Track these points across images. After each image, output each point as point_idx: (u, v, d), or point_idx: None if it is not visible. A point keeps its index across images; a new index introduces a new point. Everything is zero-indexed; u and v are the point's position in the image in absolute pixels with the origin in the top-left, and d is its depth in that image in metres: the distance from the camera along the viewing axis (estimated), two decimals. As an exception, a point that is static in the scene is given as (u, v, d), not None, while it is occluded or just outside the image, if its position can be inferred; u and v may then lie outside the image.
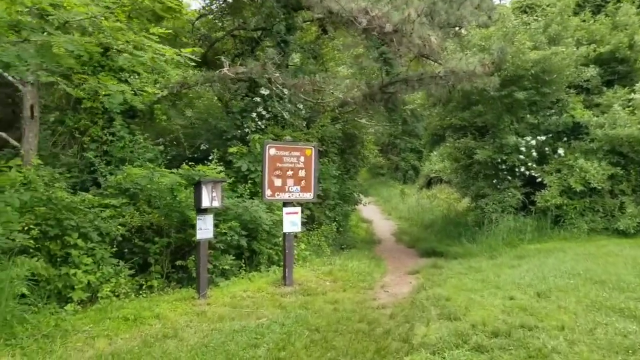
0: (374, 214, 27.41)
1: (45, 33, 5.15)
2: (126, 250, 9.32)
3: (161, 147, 10.72)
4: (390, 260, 14.38)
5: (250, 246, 10.42)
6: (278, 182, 8.48)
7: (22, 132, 9.96)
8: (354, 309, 7.62)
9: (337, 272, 9.84)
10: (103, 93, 8.79)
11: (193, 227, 9.33)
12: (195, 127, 13.93)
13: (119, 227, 8.73)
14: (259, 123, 13.51)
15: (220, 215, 9.81)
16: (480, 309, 7.30)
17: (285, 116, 12.76)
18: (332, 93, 13.36)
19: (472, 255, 12.83)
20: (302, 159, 8.66)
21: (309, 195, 8.77)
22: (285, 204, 8.67)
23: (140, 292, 8.62)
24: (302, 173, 8.68)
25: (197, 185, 7.84)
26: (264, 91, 13.40)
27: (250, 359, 5.71)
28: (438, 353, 5.73)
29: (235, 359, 5.71)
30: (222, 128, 13.66)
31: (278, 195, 8.52)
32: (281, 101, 13.69)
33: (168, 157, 10.88)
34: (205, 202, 7.80)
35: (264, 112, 13.60)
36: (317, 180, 8.88)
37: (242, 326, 6.75)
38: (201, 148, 13.69)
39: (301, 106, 13.90)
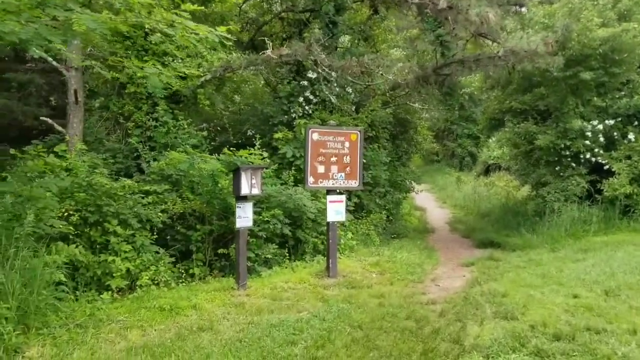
0: (428, 201, 26.62)
1: (70, 11, 4.85)
2: (168, 237, 9.15)
3: (204, 133, 10.45)
4: (443, 251, 13.74)
5: (295, 235, 10.08)
6: (321, 169, 8.04)
7: (67, 118, 9.91)
8: (401, 304, 7.12)
9: (384, 264, 9.34)
10: (139, 75, 8.57)
11: (235, 214, 9.07)
12: (243, 113, 13.66)
13: (160, 214, 8.52)
14: (306, 108, 13.10)
15: (262, 203, 9.48)
16: (540, 307, 6.67)
17: (333, 100, 12.26)
18: (382, 75, 12.74)
19: (531, 247, 12.04)
20: (347, 144, 8.18)
21: (354, 183, 8.29)
22: (329, 191, 8.23)
23: (181, 280, 8.41)
24: (346, 159, 8.20)
25: (235, 172, 7.50)
26: (312, 75, 12.96)
27: (286, 357, 5.32)
28: (492, 357, 5.18)
29: (270, 356, 5.34)
30: (269, 113, 13.33)
31: (321, 182, 8.08)
32: (329, 85, 13.21)
33: (213, 144, 10.63)
34: (245, 190, 7.45)
35: (311, 97, 13.17)
36: (362, 167, 8.38)
37: (281, 320, 6.38)
38: (247, 134, 13.39)
39: (350, 90, 13.37)
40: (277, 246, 9.49)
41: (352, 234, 11.71)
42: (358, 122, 13.52)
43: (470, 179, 32.89)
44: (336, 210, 8.16)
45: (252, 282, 8.01)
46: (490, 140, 35.58)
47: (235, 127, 13.69)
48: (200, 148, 10.59)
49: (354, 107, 13.74)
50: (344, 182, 8.20)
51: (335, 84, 13.22)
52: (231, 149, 9.78)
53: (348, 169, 8.21)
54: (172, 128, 10.19)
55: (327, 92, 12.18)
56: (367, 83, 13.27)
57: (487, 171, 33.43)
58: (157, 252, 8.24)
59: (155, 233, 8.49)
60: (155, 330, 6.11)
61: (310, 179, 7.96)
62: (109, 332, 5.96)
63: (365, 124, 13.56)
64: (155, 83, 6.69)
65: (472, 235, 16.49)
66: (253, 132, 13.19)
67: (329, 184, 8.13)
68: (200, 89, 10.40)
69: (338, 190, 8.31)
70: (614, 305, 6.65)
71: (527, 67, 13.40)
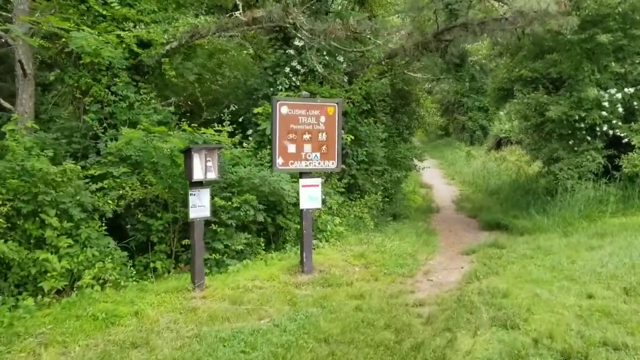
0: (435, 178, 25.37)
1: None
2: (129, 226, 8.11)
3: (171, 109, 9.28)
4: (445, 234, 12.60)
5: (275, 221, 9.00)
6: (292, 148, 6.87)
7: (16, 94, 8.81)
8: (382, 308, 6.00)
9: (371, 254, 8.21)
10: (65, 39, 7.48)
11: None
12: (224, 86, 12.47)
13: (110, 202, 7.45)
14: (293, 79, 11.89)
15: (233, 187, 8.37)
16: (548, 311, 5.56)
17: (319, 70, 11.03)
18: (372, 39, 11.45)
19: (541, 230, 10.84)
20: (322, 119, 7.00)
21: (331, 164, 7.13)
22: (302, 174, 7.07)
23: (139, 277, 7.40)
24: (322, 137, 7.03)
25: (187, 154, 6.37)
26: (298, 42, 11.72)
27: (224, 386, 4.27)
28: (482, 386, 4.09)
29: (203, 386, 4.28)
30: (253, 86, 12.14)
31: (292, 164, 6.92)
32: (318, 54, 11.97)
33: (184, 120, 9.50)
34: (198, 174, 6.32)
35: (298, 67, 11.94)
36: (341, 146, 7.20)
37: (234, 332, 5.31)
38: (230, 109, 12.23)
39: (341, 58, 12.11)
40: (250, 235, 8.44)
41: (341, 218, 10.58)
42: (351, 94, 12.31)
43: (481, 154, 31.60)
44: (310, 195, 7.02)
45: (214, 280, 6.94)
46: (500, 112, 34.15)
47: (218, 102, 12.54)
48: (169, 125, 9.45)
49: (347, 78, 12.49)
50: (319, 164, 7.04)
51: (324, 53, 11.97)
52: (193, 126, 8.66)
53: (324, 147, 7.04)
54: (134, 103, 9.05)
55: (314, 61, 10.92)
56: (357, 49, 11.99)
57: (498, 145, 32.11)
58: (107, 247, 7.17)
59: (106, 223, 7.43)
60: (79, 346, 5.07)
61: (279, 160, 6.81)
62: (22, 350, 4.94)
63: (359, 96, 12.34)
64: (79, 45, 5.50)
65: (479, 215, 15.30)
66: (236, 107, 12.05)
67: (301, 165, 6.97)
68: (165, 58, 9.21)
69: (313, 173, 7.15)
70: (636, 308, 5.51)
71: (538, 30, 12.00)
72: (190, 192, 6.38)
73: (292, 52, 11.96)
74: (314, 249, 8.95)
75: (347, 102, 12.03)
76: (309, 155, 6.96)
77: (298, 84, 11.87)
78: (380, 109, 13.81)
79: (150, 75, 9.65)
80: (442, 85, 38.47)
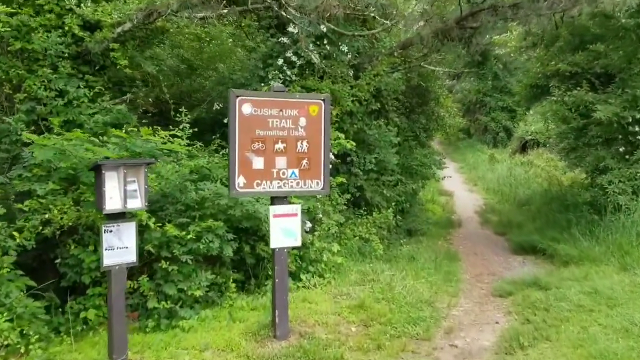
0: (457, 184, 23.17)
1: None
2: (58, 261, 6.18)
3: (122, 107, 7.27)
4: (470, 259, 10.50)
5: (255, 250, 7.02)
6: (259, 163, 4.83)
7: None
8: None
9: (374, 304, 6.11)
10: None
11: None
12: (204, 80, 10.49)
13: (15, 233, 5.52)
14: (288, 73, 9.86)
15: (194, 211, 6.37)
16: None
17: (315, 60, 9.01)
18: (380, 20, 9.38)
19: (591, 260, 8.68)
20: (302, 122, 4.95)
21: (315, 185, 5.06)
22: (274, 199, 5.04)
23: (60, 334, 5.48)
24: (302, 146, 4.97)
25: (96, 172, 4.37)
26: (294, 29, 9.71)
27: None
28: None
29: None
30: (240, 81, 10.14)
31: (259, 185, 4.86)
32: (318, 43, 9.96)
33: (144, 122, 7.55)
34: (112, 203, 4.32)
35: (293, 58, 9.91)
36: (328, 158, 5.12)
37: None
38: (214, 108, 10.30)
39: (345, 48, 10.05)
40: (222, 271, 6.50)
41: (342, 243, 8.56)
42: (357, 91, 10.24)
43: (505, 157, 29.43)
44: (285, 229, 4.98)
45: (145, 351, 4.94)
46: (529, 112, 31.77)
47: (199, 100, 10.60)
48: (126, 127, 7.48)
49: (352, 72, 10.41)
50: (297, 184, 4.99)
51: (325, 41, 9.94)
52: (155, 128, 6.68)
53: (305, 162, 4.99)
54: (74, 100, 7.10)
55: (309, 51, 8.90)
56: (362, 33, 9.92)
57: (524, 148, 29.99)
58: (8, 296, 5.23)
59: (18, 259, 5.51)
60: None
61: (240, 181, 4.78)
62: None
63: (366, 93, 10.27)
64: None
65: (508, 232, 13.15)
66: (220, 105, 10.10)
67: (271, 187, 4.91)
68: (115, 43, 7.26)
69: (288, 198, 5.11)
70: None
71: (585, 12, 9.86)
72: (104, 228, 4.39)
73: (286, 40, 9.94)
74: (300, 288, 6.96)
75: (353, 101, 9.98)
76: (284, 173, 4.92)
77: (294, 78, 9.85)
78: (392, 109, 11.73)
79: (100, 67, 7.69)
80: (463, 83, 36.26)
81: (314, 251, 7.64)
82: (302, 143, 4.99)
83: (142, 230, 6.05)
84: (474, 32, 11.40)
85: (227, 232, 6.37)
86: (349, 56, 10.31)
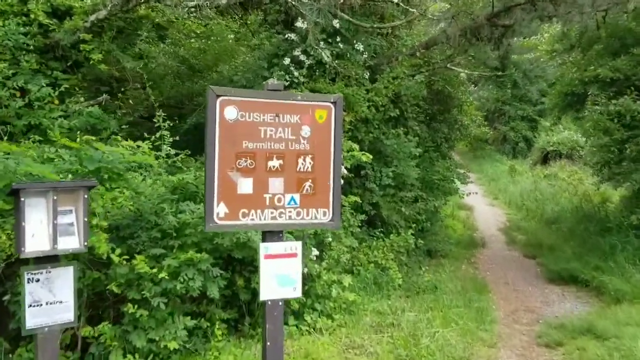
0: (476, 196, 21.61)
1: None
2: (7, 297, 4.97)
3: (92, 110, 6.04)
4: (501, 290, 9.17)
5: (250, 284, 5.78)
6: (246, 186, 3.56)
7: None
8: None
9: (388, 357, 4.82)
10: None
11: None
12: (204, 80, 9.28)
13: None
14: (295, 74, 8.65)
15: (172, 239, 5.14)
16: None
17: (325, 59, 7.80)
18: (402, 6, 8.14)
19: (648, 297, 7.34)
20: (305, 131, 3.69)
21: (322, 215, 3.78)
22: (267, 234, 3.77)
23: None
24: (306, 163, 3.70)
25: (15, 199, 3.14)
26: (302, 24, 8.51)
27: None
28: None
29: None
30: (241, 82, 8.93)
31: (246, 216, 3.58)
32: (330, 40, 8.77)
33: (123, 127, 6.36)
34: (36, 242, 3.08)
35: (302, 57, 8.71)
36: (339, 181, 3.84)
37: None
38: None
39: (361, 46, 8.82)
40: (208, 312, 5.27)
41: (354, 274, 7.30)
42: (374, 96, 9.00)
43: (526, 168, 28.08)
44: (281, 275, 3.72)
45: None
46: (548, 122, 30.31)
47: (196, 102, 9.42)
48: (100, 134, 6.30)
49: (368, 74, 9.17)
50: (299, 214, 3.71)
51: (337, 38, 8.74)
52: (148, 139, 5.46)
53: (309, 184, 3.73)
54: (38, 101, 5.92)
55: (319, 47, 7.69)
56: (382, 26, 8.69)
57: (545, 159, 28.60)
58: None
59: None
60: None
61: (220, 210, 3.52)
62: None
63: (384, 98, 9.02)
64: None
65: (539, 255, 11.78)
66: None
67: (263, 218, 3.63)
68: (88, 34, 6.07)
69: (282, 233, 3.82)
70: None
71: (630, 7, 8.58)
72: (26, 276, 3.16)
73: (294, 37, 8.75)
74: (303, 334, 5.70)
75: (369, 106, 8.74)
76: (280, 199, 3.66)
77: (302, 80, 8.63)
78: (412, 116, 10.46)
79: (74, 63, 6.51)
80: (481, 92, 34.89)
81: (321, 285, 6.38)
82: (304, 159, 3.73)
83: (105, 263, 4.84)
84: (506, 31, 10.16)
85: (213, 266, 5.14)
86: (365, 56, 9.08)
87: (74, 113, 6.30)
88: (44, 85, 5.94)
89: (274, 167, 3.68)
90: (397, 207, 9.77)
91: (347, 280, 6.62)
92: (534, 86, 36.39)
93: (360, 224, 8.18)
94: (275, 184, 3.69)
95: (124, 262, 4.73)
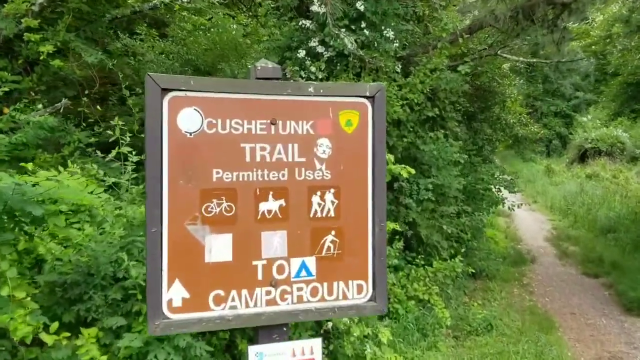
0: (512, 200, 19.90)
1: None
2: None
3: (39, 119, 4.54)
4: (571, 327, 7.50)
5: None
6: (221, 249, 2.00)
7: None
8: None
9: None
10: None
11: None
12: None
13: None
14: (312, 69, 7.12)
15: (137, 300, 3.61)
16: None
17: (350, 47, 6.26)
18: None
19: None
20: (323, 147, 2.15)
21: (355, 292, 2.21)
22: (261, 330, 2.19)
23: None
24: (324, 204, 2.14)
25: None
26: (319, 8, 6.99)
27: None
28: None
29: None
30: (247, 81, 7.39)
31: (221, 303, 2.00)
32: (354, 26, 7.22)
33: (91, 143, 4.89)
34: None
35: (319, 48, 7.18)
36: (384, 232, 2.28)
37: None
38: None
39: (391, 33, 7.22)
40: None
41: (392, 318, 5.72)
42: (408, 93, 7.40)
43: (562, 168, 26.28)
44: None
45: None
46: (586, 118, 28.40)
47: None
48: (62, 151, 4.84)
49: (400, 67, 7.57)
50: (315, 293, 2.14)
51: (362, 24, 7.17)
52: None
53: (331, 238, 2.17)
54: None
55: (340, 33, 6.15)
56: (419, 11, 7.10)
57: (582, 157, 26.73)
58: None
59: None
60: None
61: (173, 294, 1.99)
62: None
63: (419, 95, 7.41)
64: None
65: (602, 273, 10.07)
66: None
67: (253, 304, 2.06)
68: (34, 20, 4.58)
69: (290, 327, 2.20)
70: None
71: None
72: None
73: (309, 24, 7.22)
74: None
75: (403, 105, 7.17)
76: (282, 269, 2.08)
77: (320, 75, 7.08)
78: (451, 116, 8.82)
79: (26, 60, 5.04)
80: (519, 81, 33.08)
81: (350, 343, 4.80)
82: (323, 196, 2.16)
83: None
84: (563, 10, 8.50)
85: (196, 340, 3.58)
86: (396, 44, 7.47)
87: (33, 123, 4.82)
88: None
89: (269, 212, 2.12)
90: (438, 225, 8.16)
91: (386, 334, 5.02)
92: (567, 80, 34.65)
93: (399, 253, 6.58)
94: (273, 243, 2.13)
95: (65, 340, 3.23)
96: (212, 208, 2.04)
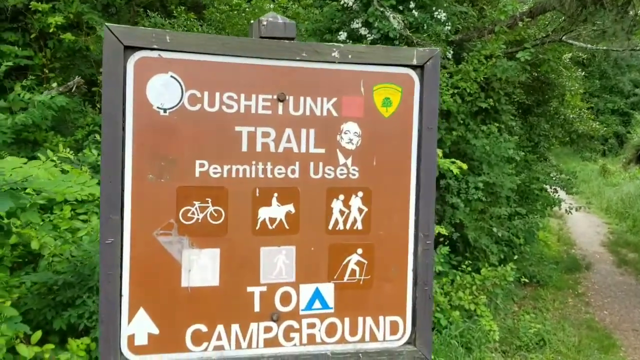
0: (566, 201, 18.84)
1: None
2: None
3: (59, 99, 4.12)
4: (633, 345, 6.76)
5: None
6: (203, 269, 1.52)
7: None
8: None
9: None
10: None
11: None
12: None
13: None
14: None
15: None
16: None
17: (397, 27, 5.62)
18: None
19: None
20: (349, 134, 1.60)
21: (389, 333, 1.67)
22: None
23: None
24: (349, 212, 1.62)
25: None
26: (362, -15, 6.41)
27: None
28: None
29: None
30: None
31: (201, 342, 1.53)
32: (403, 7, 6.59)
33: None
34: None
35: (363, 31, 6.58)
36: (432, 252, 1.75)
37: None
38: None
39: (443, 15, 6.54)
40: None
41: (434, 332, 5.11)
42: (460, 81, 6.73)
43: (618, 168, 25.10)
44: None
45: None
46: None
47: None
48: (74, 134, 4.42)
49: (452, 52, 6.88)
50: (332, 332, 1.63)
51: (412, 4, 6.51)
52: None
53: (356, 260, 1.62)
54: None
55: (386, 11, 5.53)
56: None
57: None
58: None
59: None
60: None
61: (136, 327, 1.52)
62: None
63: (472, 85, 6.71)
64: None
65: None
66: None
67: (246, 344, 1.56)
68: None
69: None
70: None
71: None
72: None
73: (351, 3, 6.61)
74: None
75: (453, 94, 6.50)
76: (288, 298, 1.57)
77: (362, 61, 6.45)
78: (506, 108, 8.07)
79: (38, 34, 4.62)
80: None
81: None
82: (347, 202, 1.61)
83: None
84: (636, -6, 7.63)
85: None
86: (448, 27, 6.78)
87: (38, 103, 4.41)
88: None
89: (272, 221, 1.56)
90: (487, 227, 7.47)
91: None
92: (625, 76, 33.25)
93: (443, 258, 5.96)
94: (277, 263, 1.57)
95: (47, 353, 2.79)
96: (193, 213, 1.50)
